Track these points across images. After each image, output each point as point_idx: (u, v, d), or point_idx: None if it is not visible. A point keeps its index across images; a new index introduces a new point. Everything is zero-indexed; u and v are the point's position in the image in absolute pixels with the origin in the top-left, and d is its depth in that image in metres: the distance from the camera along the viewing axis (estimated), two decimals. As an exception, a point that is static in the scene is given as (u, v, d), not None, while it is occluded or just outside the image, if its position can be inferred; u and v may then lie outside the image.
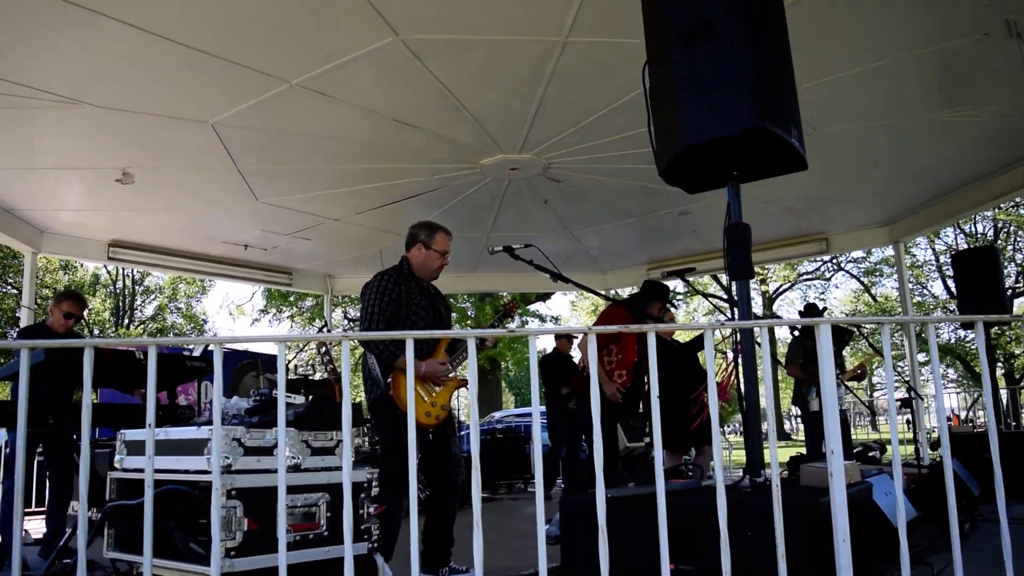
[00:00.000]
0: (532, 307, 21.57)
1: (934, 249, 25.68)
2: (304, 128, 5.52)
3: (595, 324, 8.02)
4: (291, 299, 20.27)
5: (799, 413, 7.64)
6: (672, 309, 5.41)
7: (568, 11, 4.03)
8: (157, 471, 2.95)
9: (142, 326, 23.36)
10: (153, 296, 25.13)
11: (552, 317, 25.42)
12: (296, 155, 6.05)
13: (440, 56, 4.51)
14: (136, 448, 3.28)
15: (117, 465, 3.22)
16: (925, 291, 27.77)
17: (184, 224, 7.67)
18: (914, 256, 26.76)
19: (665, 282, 7.06)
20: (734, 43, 2.22)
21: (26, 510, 4.98)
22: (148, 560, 1.93)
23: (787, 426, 28.73)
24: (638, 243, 9.08)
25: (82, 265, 22.89)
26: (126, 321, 23.64)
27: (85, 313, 5.39)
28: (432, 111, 5.29)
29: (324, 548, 3.10)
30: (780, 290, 30.80)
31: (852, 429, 7.87)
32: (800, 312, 8.64)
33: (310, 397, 8.26)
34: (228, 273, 8.74)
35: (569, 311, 29.15)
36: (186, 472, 2.97)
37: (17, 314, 21.29)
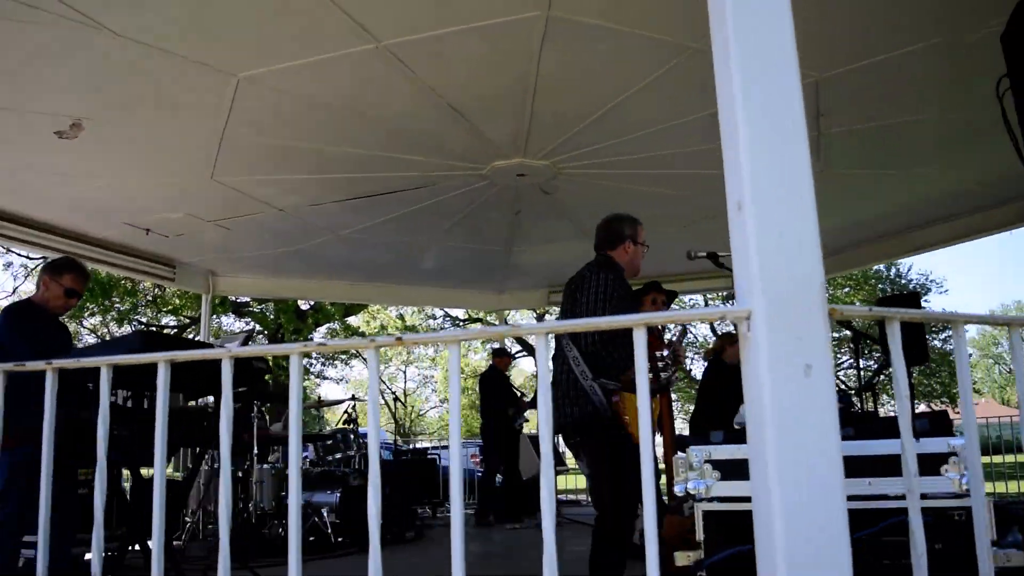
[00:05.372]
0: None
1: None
2: (335, 99, 4.84)
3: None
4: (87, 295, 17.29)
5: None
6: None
7: None
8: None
9: None
10: None
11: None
12: (295, 131, 5.27)
13: (569, 37, 4.17)
14: (736, 469, 2.33)
15: (691, 492, 2.38)
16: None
17: (90, 197, 6.31)
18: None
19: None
20: None
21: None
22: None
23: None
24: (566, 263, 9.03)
25: None
26: None
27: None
28: (494, 104, 4.90)
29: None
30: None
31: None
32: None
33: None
34: (110, 260, 7.36)
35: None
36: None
37: None
